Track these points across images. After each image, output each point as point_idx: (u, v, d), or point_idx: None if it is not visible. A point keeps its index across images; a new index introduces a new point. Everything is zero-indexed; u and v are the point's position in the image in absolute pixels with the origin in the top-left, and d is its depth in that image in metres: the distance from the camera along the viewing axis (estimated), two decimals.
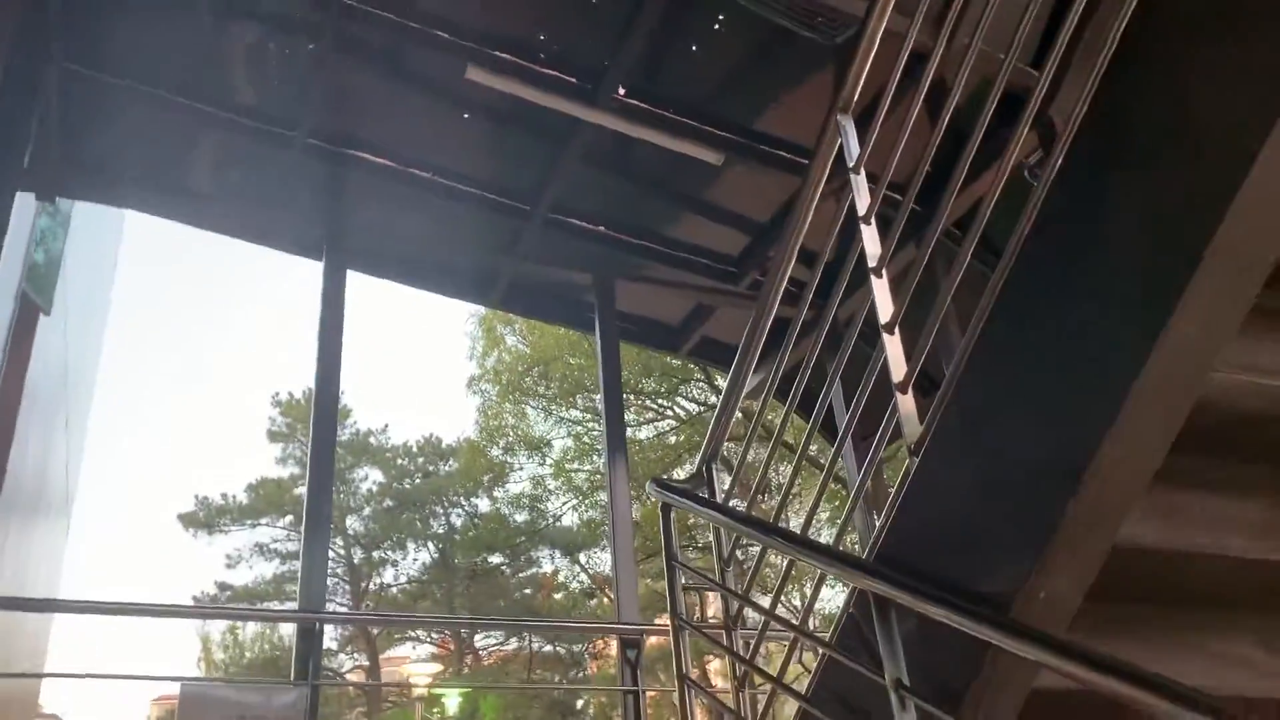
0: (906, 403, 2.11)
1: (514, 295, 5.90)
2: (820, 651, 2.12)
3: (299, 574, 4.09)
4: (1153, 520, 1.77)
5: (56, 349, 8.72)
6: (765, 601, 2.86)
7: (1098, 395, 1.64)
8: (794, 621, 2.52)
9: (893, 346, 2.16)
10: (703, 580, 2.75)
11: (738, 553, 2.75)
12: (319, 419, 4.38)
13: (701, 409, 19.91)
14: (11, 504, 6.74)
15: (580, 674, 26.92)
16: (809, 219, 2.65)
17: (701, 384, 19.68)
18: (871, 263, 2.27)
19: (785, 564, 2.80)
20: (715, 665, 23.48)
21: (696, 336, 6.46)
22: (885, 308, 2.19)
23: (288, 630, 26.08)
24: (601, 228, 5.59)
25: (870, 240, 2.31)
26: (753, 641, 2.69)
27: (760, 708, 2.43)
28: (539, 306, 6.16)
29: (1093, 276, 1.76)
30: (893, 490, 2.08)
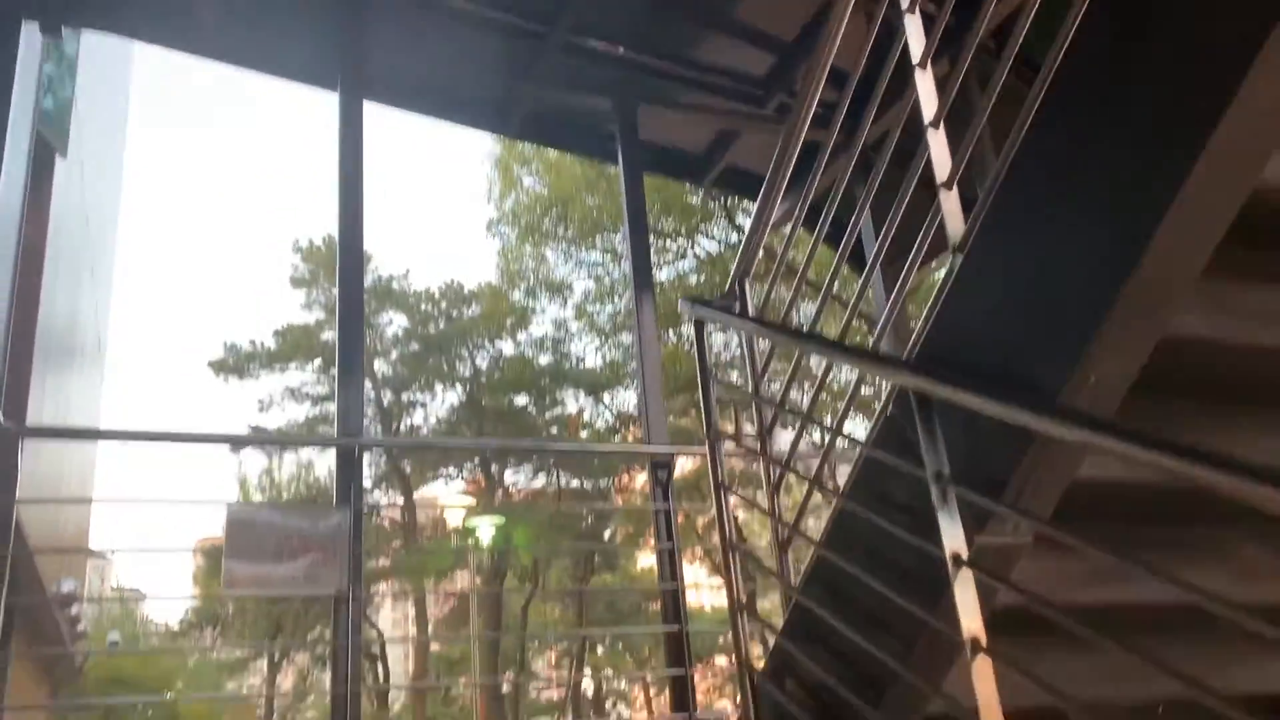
0: (950, 200, 2.06)
1: (532, 124, 5.74)
2: (856, 456, 2.14)
3: (335, 403, 4.16)
4: (1203, 311, 1.74)
5: (75, 195, 8.71)
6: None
7: (1152, 181, 1.59)
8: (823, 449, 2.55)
9: (937, 144, 2.09)
10: (738, 393, 2.77)
11: (764, 387, 2.74)
12: (346, 231, 4.36)
13: (722, 249, 19.76)
14: (46, 348, 6.89)
15: (606, 505, 27.85)
16: (844, 23, 2.52)
17: (722, 223, 19.46)
18: (915, 58, 2.17)
19: (818, 382, 2.80)
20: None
21: (721, 165, 6.30)
22: (929, 103, 2.10)
23: (322, 471, 27.01)
24: (622, 49, 5.38)
25: (914, 34, 2.20)
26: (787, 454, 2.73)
27: (794, 516, 2.48)
28: (558, 135, 6.00)
29: (1143, 65, 1.67)
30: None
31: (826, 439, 2.47)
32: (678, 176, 6.69)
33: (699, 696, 4.22)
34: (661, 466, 4.55)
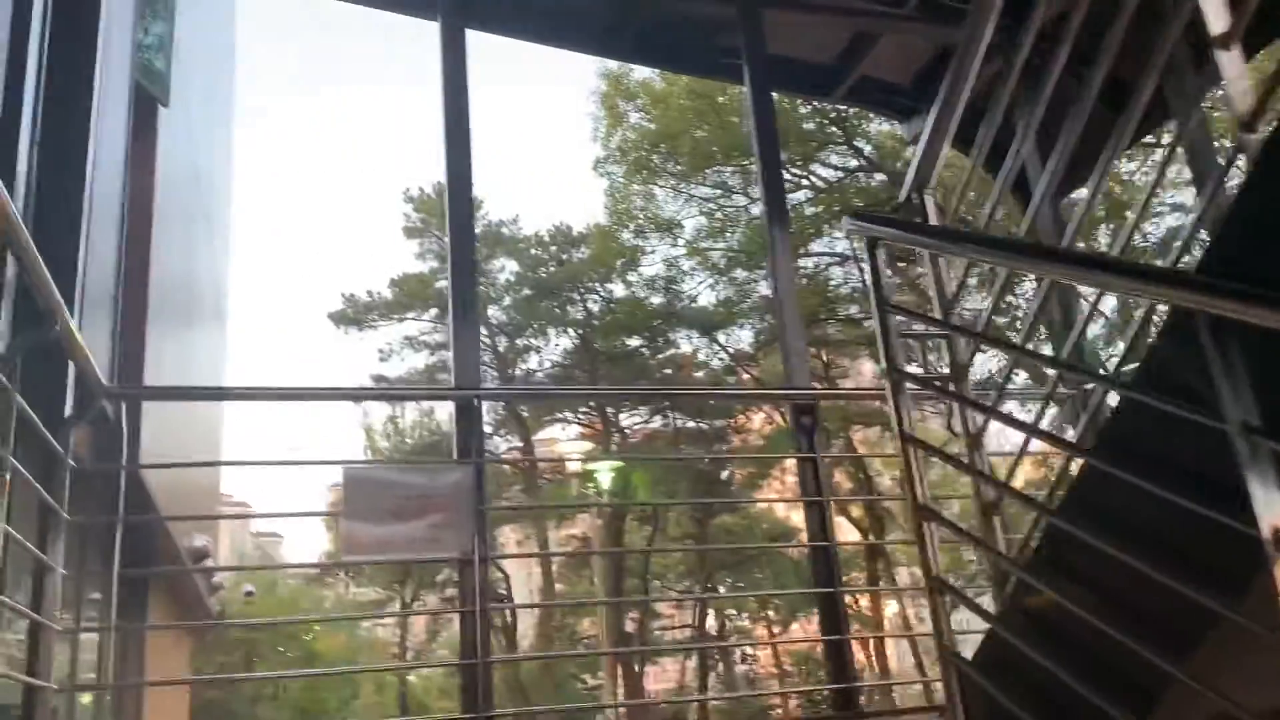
0: (1233, 62, 1.54)
1: (646, 43, 5.28)
2: (1106, 401, 1.67)
3: (451, 357, 3.85)
4: None
5: (183, 146, 8.63)
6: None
7: None
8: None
9: None
10: (922, 320, 2.32)
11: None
12: (454, 171, 4.03)
13: (841, 175, 18.88)
14: (162, 307, 6.80)
15: (723, 448, 27.54)
16: None
17: (840, 148, 18.53)
18: None
19: (1036, 306, 2.31)
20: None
21: (854, 76, 5.72)
22: None
23: (443, 416, 27.46)
24: None
25: None
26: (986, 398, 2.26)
27: (1003, 475, 2.03)
28: (674, 54, 5.52)
29: None
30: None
31: (1047, 382, 2.00)
32: (804, 92, 6.16)
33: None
34: (805, 411, 4.11)
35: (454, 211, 4.11)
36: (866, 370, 28.13)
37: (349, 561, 3.84)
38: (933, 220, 2.31)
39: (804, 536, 4.12)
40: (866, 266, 2.23)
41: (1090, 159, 1.93)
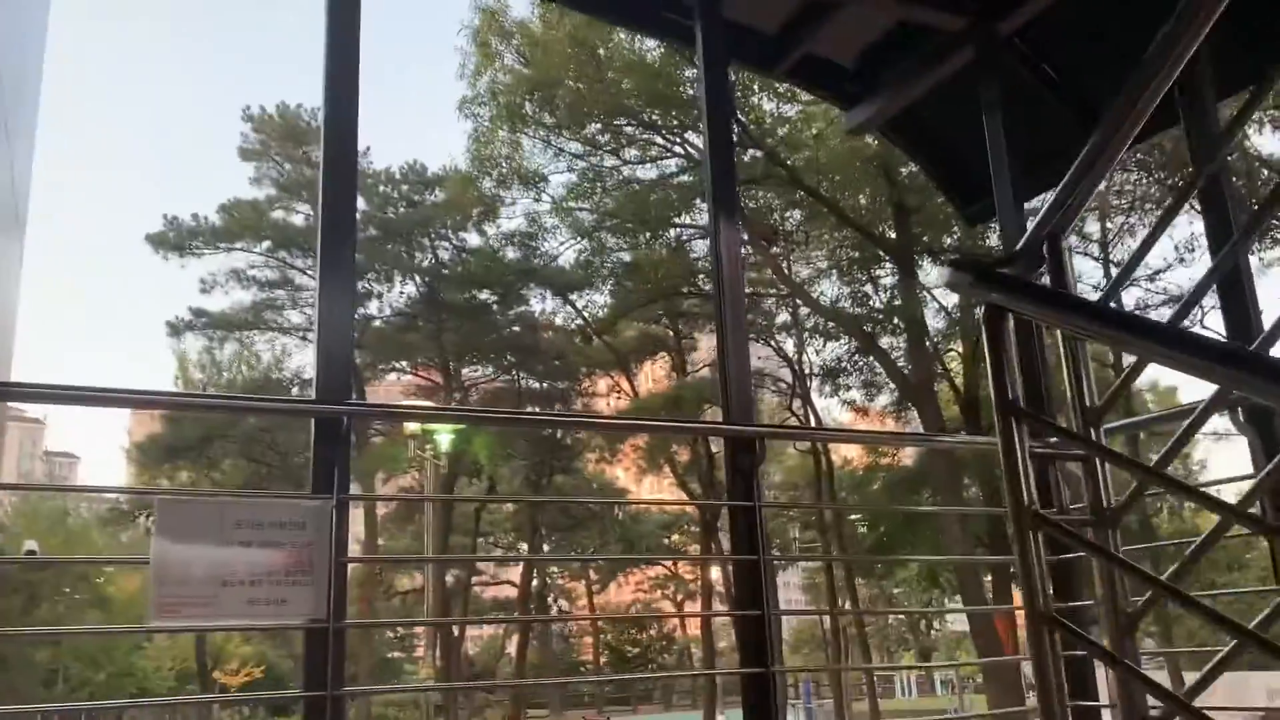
0: None
1: None
2: None
3: (313, 359, 2.94)
4: None
5: None
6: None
7: None
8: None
9: None
10: (1059, 433, 1.63)
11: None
12: (332, 131, 3.08)
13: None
14: None
15: (559, 406, 26.89)
16: None
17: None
18: None
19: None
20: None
21: (799, 52, 5.02)
22: None
23: (267, 356, 25.52)
24: None
25: None
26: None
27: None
28: (617, 3, 4.66)
29: None
30: None
31: None
32: (751, 64, 5.41)
33: None
34: (745, 448, 3.42)
35: (331, 160, 3.15)
36: (704, 346, 28.06)
37: (159, 628, 2.81)
38: (1071, 275, 1.63)
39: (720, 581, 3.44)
40: (984, 337, 1.51)
41: None
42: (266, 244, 22.40)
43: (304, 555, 2.79)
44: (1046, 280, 1.70)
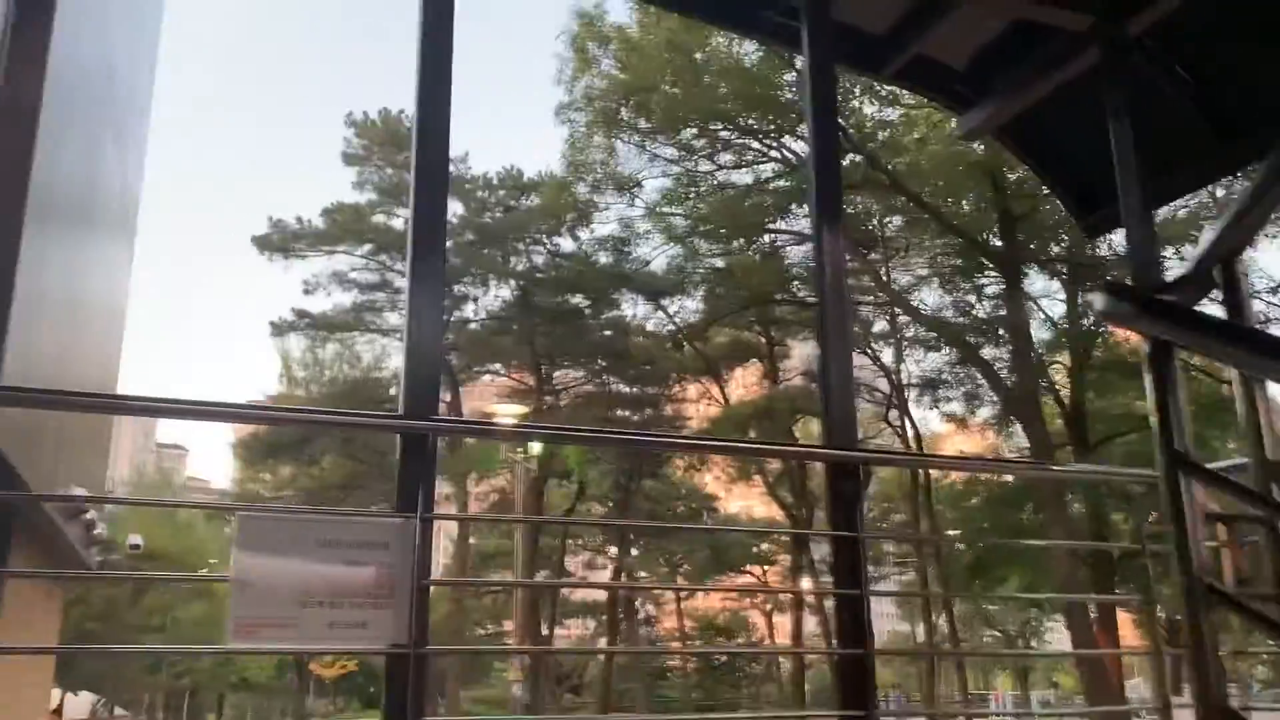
0: None
1: None
2: None
3: (401, 373, 2.84)
4: None
5: (92, 46, 7.38)
6: None
7: None
8: None
9: None
10: (1234, 492, 1.41)
11: None
12: (428, 124, 2.99)
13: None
14: (46, 213, 5.77)
15: (649, 411, 26.77)
16: None
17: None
18: None
19: None
20: None
21: (909, 53, 4.76)
22: None
23: (367, 357, 26.07)
24: None
25: None
26: None
27: None
28: (720, 5, 4.49)
29: None
30: None
31: None
32: (858, 66, 5.18)
33: None
34: (847, 475, 3.21)
35: (422, 170, 3.05)
36: (796, 354, 27.56)
37: (237, 650, 2.71)
38: (1249, 304, 1.40)
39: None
40: (1146, 376, 1.29)
41: None
42: (368, 247, 22.87)
43: (386, 576, 2.69)
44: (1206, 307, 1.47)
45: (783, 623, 43.36)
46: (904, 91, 16.10)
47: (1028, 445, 19.15)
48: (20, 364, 4.40)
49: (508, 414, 17.15)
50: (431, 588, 2.84)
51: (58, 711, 18.63)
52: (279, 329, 22.82)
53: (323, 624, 2.62)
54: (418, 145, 3.02)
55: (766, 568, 42.09)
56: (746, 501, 37.06)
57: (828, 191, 3.68)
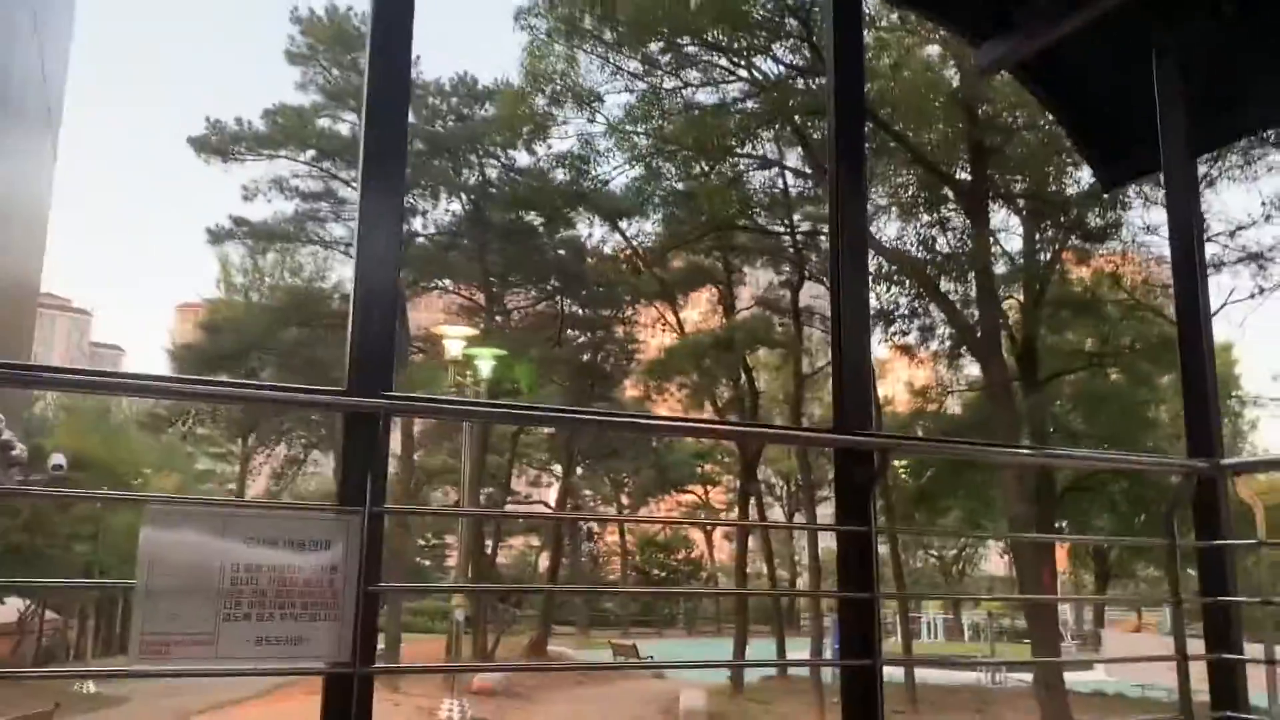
0: None
1: None
2: None
3: (348, 340, 2.35)
4: None
5: None
6: None
7: None
8: None
9: None
10: None
11: None
12: (380, 40, 2.44)
13: (791, 72, 17.16)
14: None
15: (602, 334, 26.37)
16: None
17: (795, 41, 16.75)
18: None
19: None
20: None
21: None
22: None
23: (310, 267, 25.14)
24: None
25: None
26: None
27: None
28: None
29: None
30: None
31: None
32: None
33: None
34: (859, 462, 2.82)
35: (378, 78, 2.50)
36: (752, 281, 27.21)
37: (141, 672, 2.17)
38: None
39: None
40: None
41: None
42: (311, 153, 21.80)
43: (326, 582, 2.25)
44: None
45: (721, 541, 44.07)
46: (879, 15, 15.46)
47: (979, 377, 19.21)
48: None
49: (456, 335, 16.58)
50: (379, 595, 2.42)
51: None
52: (216, 236, 21.80)
53: (248, 640, 2.17)
54: (373, 51, 2.46)
55: (710, 488, 42.54)
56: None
57: (850, 138, 3.20)
